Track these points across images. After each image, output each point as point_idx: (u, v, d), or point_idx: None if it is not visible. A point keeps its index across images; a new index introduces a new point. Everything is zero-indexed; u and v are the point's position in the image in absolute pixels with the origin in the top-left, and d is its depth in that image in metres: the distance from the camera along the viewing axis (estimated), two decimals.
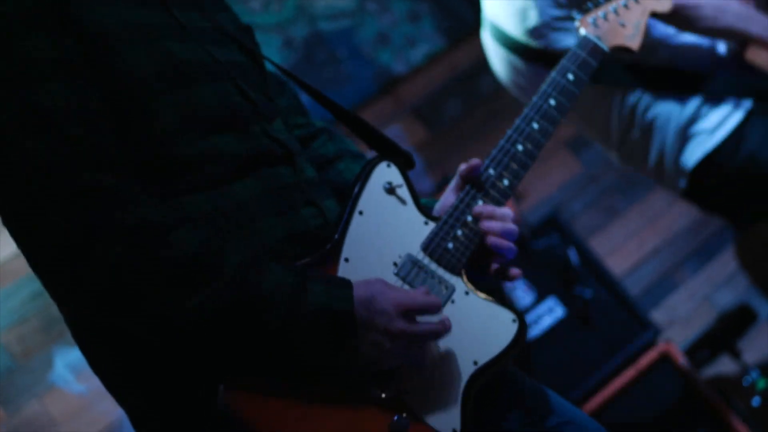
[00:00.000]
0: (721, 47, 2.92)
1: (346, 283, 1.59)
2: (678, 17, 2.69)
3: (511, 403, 1.83)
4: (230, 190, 1.64)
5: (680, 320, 4.34)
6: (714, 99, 2.84)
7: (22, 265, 1.71)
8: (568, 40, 2.74)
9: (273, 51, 4.26)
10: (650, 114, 2.87)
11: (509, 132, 1.85)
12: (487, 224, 1.76)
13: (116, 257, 1.48)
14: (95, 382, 1.71)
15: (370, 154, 1.87)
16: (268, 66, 1.92)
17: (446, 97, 4.52)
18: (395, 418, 1.61)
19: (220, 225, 1.60)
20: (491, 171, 1.81)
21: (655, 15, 2.25)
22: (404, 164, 1.80)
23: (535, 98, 1.90)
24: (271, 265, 1.57)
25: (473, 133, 4.44)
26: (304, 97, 2.03)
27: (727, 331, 4.21)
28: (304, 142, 1.95)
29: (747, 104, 2.84)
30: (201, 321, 1.50)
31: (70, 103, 1.52)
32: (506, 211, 1.78)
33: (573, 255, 3.67)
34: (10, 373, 3.65)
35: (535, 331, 3.59)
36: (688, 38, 2.87)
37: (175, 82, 1.62)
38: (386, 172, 1.77)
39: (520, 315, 1.74)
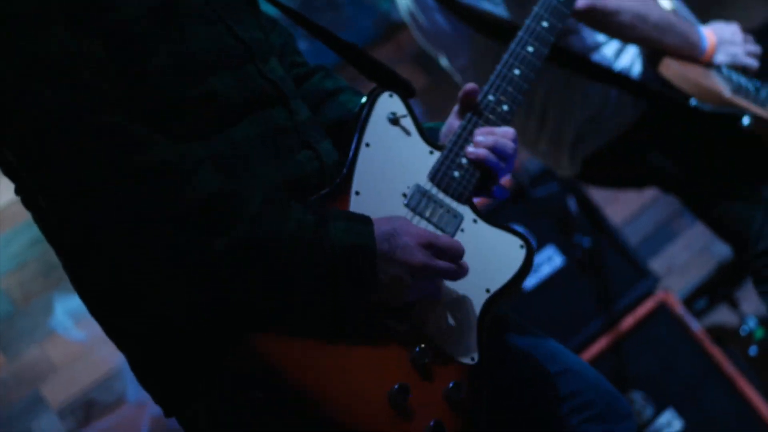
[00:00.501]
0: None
1: (367, 220, 1.61)
2: (595, 19, 2.68)
3: (514, 351, 1.84)
4: (226, 136, 1.64)
5: (678, 269, 4.35)
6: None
7: (21, 210, 1.71)
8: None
9: None
10: (552, 101, 2.87)
11: (505, 56, 1.87)
12: (479, 138, 1.77)
13: (141, 198, 1.49)
14: (95, 329, 1.71)
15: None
16: (264, 5, 1.90)
17: None
18: (416, 349, 1.63)
19: (219, 171, 1.60)
20: (490, 97, 1.83)
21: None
22: (405, 93, 1.81)
23: (528, 21, 1.92)
24: (291, 203, 1.58)
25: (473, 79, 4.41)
26: (302, 42, 2.02)
27: (726, 280, 4.22)
28: (301, 79, 1.95)
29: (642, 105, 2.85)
30: (228, 261, 1.51)
31: (78, 48, 1.52)
32: (506, 129, 1.80)
33: (572, 203, 3.66)
34: (10, 318, 3.66)
35: (533, 280, 3.60)
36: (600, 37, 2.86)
37: (167, 24, 1.61)
38: (389, 103, 1.78)
39: (527, 240, 1.77)
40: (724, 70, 2.75)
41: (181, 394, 1.62)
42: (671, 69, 2.73)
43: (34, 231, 1.72)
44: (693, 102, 2.69)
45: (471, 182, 1.77)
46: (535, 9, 1.93)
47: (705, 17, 2.99)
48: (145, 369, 1.66)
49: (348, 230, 1.57)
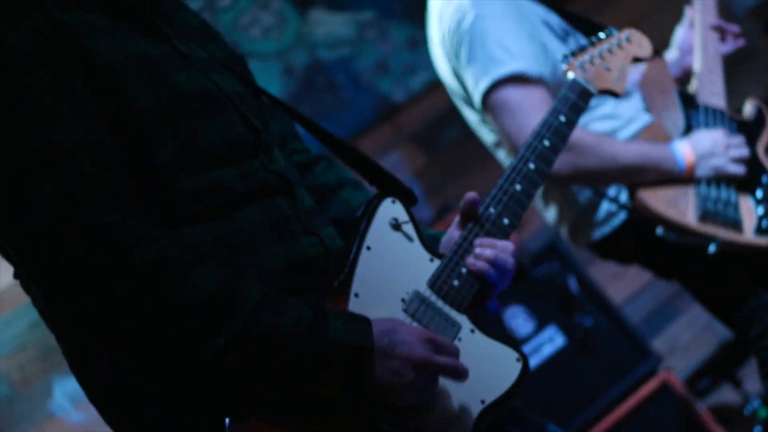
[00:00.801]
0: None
1: (365, 320, 1.60)
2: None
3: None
4: (230, 220, 1.64)
5: (681, 348, 4.34)
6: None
7: (20, 294, 1.71)
8: None
9: (273, 78, 4.27)
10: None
11: (507, 171, 1.88)
12: (479, 250, 1.77)
13: (137, 296, 1.49)
14: (94, 412, 1.70)
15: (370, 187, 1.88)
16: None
17: (445, 124, 4.52)
18: None
19: (223, 255, 1.60)
20: (491, 210, 1.83)
21: (636, 60, 2.29)
22: (407, 200, 1.81)
23: (530, 139, 1.94)
24: (289, 300, 1.58)
25: (472, 160, 4.43)
26: (301, 131, 2.04)
27: (728, 359, 4.20)
28: (303, 168, 1.96)
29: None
30: (223, 359, 1.50)
31: (84, 140, 1.52)
32: (506, 243, 1.79)
33: (573, 283, 3.66)
34: (10, 401, 3.65)
35: (535, 360, 3.58)
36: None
37: (178, 115, 1.61)
38: (391, 208, 1.79)
39: (523, 354, 1.75)
40: (703, 187, 2.73)
41: None
42: (644, 197, 2.73)
43: (34, 314, 1.72)
44: (659, 232, 2.70)
45: (470, 292, 1.76)
46: (537, 128, 1.97)
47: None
48: None
49: (346, 329, 1.57)
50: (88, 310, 1.51)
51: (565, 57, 2.16)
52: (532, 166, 1.90)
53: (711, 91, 2.88)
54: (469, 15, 2.73)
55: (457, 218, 1.84)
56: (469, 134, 4.61)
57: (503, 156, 3.01)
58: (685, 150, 2.75)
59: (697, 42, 2.94)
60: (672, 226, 2.70)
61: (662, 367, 3.71)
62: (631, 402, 3.56)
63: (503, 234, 1.82)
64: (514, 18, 2.76)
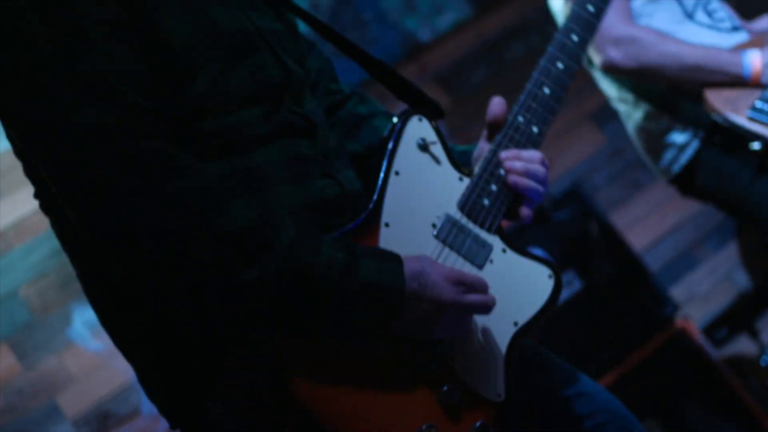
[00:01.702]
0: None
1: (396, 258, 1.60)
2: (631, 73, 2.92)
3: (533, 371, 1.83)
4: (249, 158, 1.63)
5: (699, 297, 4.32)
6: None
7: (42, 221, 1.72)
8: None
9: None
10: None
11: (535, 75, 1.84)
12: (509, 164, 1.75)
13: (178, 224, 1.49)
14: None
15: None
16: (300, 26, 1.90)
17: (470, 65, 4.49)
18: (444, 388, 1.62)
19: (238, 189, 1.60)
20: (520, 118, 1.79)
21: None
22: (434, 115, 1.78)
23: (558, 35, 1.89)
24: (323, 238, 1.58)
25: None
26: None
27: (747, 310, 4.19)
28: (336, 107, 1.95)
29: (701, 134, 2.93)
30: (257, 291, 1.51)
31: (125, 67, 1.51)
32: (533, 153, 1.77)
33: (593, 228, 3.65)
34: (29, 327, 3.67)
35: None
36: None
37: (211, 55, 1.60)
38: (418, 128, 1.74)
39: (556, 269, 1.75)
40: (765, 93, 2.76)
41: (187, 405, 1.61)
42: (707, 94, 2.83)
43: (55, 242, 1.72)
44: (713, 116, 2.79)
45: (501, 210, 1.74)
46: (565, 23, 1.91)
47: None
48: (151, 379, 1.66)
49: (379, 270, 1.57)
50: (122, 233, 1.50)
51: None
52: (560, 65, 1.85)
53: None
54: None
55: (485, 131, 1.81)
56: (494, 76, 4.59)
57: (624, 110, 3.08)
58: (754, 57, 2.78)
59: None
60: (725, 121, 2.78)
61: (680, 315, 3.70)
62: (647, 349, 3.55)
63: (533, 143, 1.78)
64: None
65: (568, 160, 4.27)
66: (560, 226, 3.64)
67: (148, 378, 1.67)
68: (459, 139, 2.00)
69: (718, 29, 3.02)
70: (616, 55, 2.85)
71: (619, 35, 2.85)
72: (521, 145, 1.77)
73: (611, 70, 2.91)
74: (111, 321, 1.68)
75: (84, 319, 3.70)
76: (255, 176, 1.62)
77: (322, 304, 1.52)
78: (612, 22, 2.83)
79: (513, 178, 1.74)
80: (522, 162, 1.75)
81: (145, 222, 1.48)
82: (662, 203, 4.45)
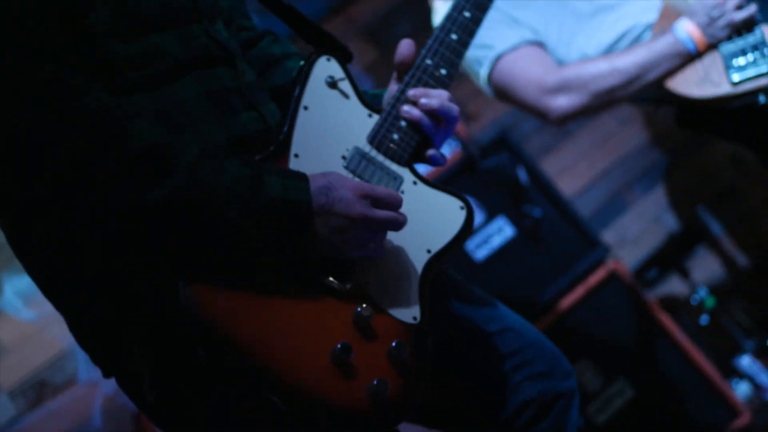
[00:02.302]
0: None
1: (302, 176, 1.61)
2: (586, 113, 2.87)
3: (457, 308, 1.85)
4: (170, 91, 1.63)
5: (630, 241, 4.38)
6: None
7: None
8: None
9: None
10: None
11: (442, 21, 1.87)
12: (413, 99, 1.77)
13: (77, 146, 1.48)
14: (45, 308, 1.69)
15: None
16: None
17: (398, 17, 4.47)
18: (358, 309, 1.64)
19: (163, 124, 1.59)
20: (428, 61, 1.83)
21: None
22: (343, 57, 1.81)
23: None
24: (228, 159, 1.57)
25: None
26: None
27: (676, 251, 4.26)
28: (249, 44, 1.94)
29: None
30: (162, 211, 1.50)
31: None
32: (440, 91, 1.79)
33: (522, 174, 3.67)
34: None
35: (484, 251, 3.60)
36: None
37: None
38: (326, 66, 1.78)
39: (467, 201, 1.78)
40: (724, 47, 2.65)
41: (113, 348, 1.60)
42: (672, 86, 2.72)
43: None
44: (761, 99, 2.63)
45: (410, 145, 1.77)
46: None
47: None
48: (83, 327, 1.65)
49: (284, 185, 1.57)
50: (26, 163, 1.51)
51: None
52: (467, 14, 1.88)
53: None
54: None
55: (394, 73, 1.84)
56: (422, 28, 4.55)
57: None
58: (688, 28, 2.69)
59: None
60: (714, 102, 2.65)
61: (611, 257, 3.74)
62: (579, 291, 3.59)
63: (441, 85, 1.81)
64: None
65: (497, 109, 4.28)
66: (489, 173, 3.66)
67: (78, 325, 1.66)
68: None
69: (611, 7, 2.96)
70: (561, 103, 2.82)
71: (553, 84, 2.82)
72: (429, 86, 1.80)
73: (567, 118, 2.84)
74: (38, 270, 1.66)
75: (15, 289, 3.65)
76: (177, 112, 1.62)
77: (229, 221, 1.52)
78: (541, 77, 2.82)
79: (411, 113, 1.75)
80: (428, 99, 1.76)
81: (47, 144, 1.48)
82: (591, 149, 4.49)
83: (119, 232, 1.54)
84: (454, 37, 1.86)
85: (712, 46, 2.68)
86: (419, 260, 1.72)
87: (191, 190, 1.50)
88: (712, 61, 2.67)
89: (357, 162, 1.73)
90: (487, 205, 3.61)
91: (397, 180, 1.75)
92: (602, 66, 2.78)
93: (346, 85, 1.79)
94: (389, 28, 4.48)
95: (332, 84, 1.77)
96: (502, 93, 2.95)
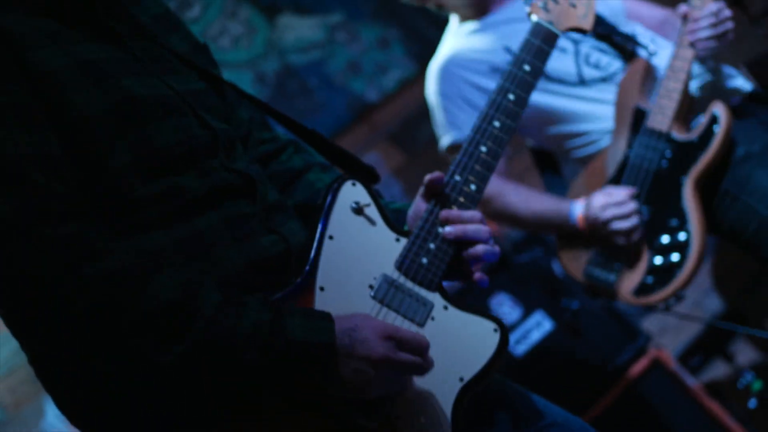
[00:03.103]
0: None
1: (325, 316, 1.59)
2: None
3: (498, 408, 1.82)
4: (188, 224, 1.62)
5: (671, 327, 4.33)
6: None
7: None
8: None
9: (245, 87, 4.23)
10: None
11: (470, 134, 1.81)
12: (449, 228, 1.73)
13: (94, 309, 1.48)
14: None
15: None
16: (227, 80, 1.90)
17: (421, 120, 4.52)
18: None
19: (180, 260, 1.59)
20: (457, 177, 1.78)
21: None
22: (368, 179, 1.78)
23: (493, 95, 1.86)
24: (247, 301, 1.57)
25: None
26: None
27: (719, 335, 4.20)
28: (270, 156, 1.94)
29: None
30: (185, 366, 1.50)
31: (33, 150, 1.50)
32: (473, 213, 1.76)
33: (557, 267, 3.66)
34: (3, 424, 3.64)
35: (524, 347, 3.57)
36: None
37: (130, 121, 1.59)
38: (352, 192, 1.74)
39: (501, 323, 1.72)
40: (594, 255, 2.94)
41: None
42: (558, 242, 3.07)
43: None
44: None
45: (440, 268, 1.72)
46: (500, 81, 1.88)
47: None
48: None
49: (305, 326, 1.56)
50: (47, 324, 1.50)
51: None
52: (497, 123, 1.82)
53: (662, 106, 2.85)
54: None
55: (421, 189, 1.79)
56: None
57: None
58: (579, 215, 2.89)
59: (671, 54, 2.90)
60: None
61: (653, 346, 3.70)
62: (623, 382, 3.55)
63: (471, 201, 1.77)
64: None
65: None
66: (523, 268, 3.65)
67: None
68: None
69: (612, 75, 3.02)
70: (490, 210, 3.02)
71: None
72: (459, 203, 1.76)
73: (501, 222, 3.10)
74: (66, 405, 1.65)
75: (57, 412, 3.65)
76: (196, 245, 1.61)
77: (251, 368, 1.51)
78: None
79: (453, 235, 1.73)
80: (462, 226, 1.73)
81: (64, 311, 1.47)
82: None
83: (144, 385, 1.54)
84: (483, 149, 1.80)
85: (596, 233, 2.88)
86: (451, 390, 1.66)
87: (210, 343, 1.51)
88: (587, 249, 2.95)
89: (384, 291, 1.69)
90: (524, 300, 3.59)
91: (427, 306, 1.70)
92: (510, 200, 2.99)
93: (372, 210, 1.74)
94: (413, 131, 4.54)
95: (358, 210, 1.73)
96: None
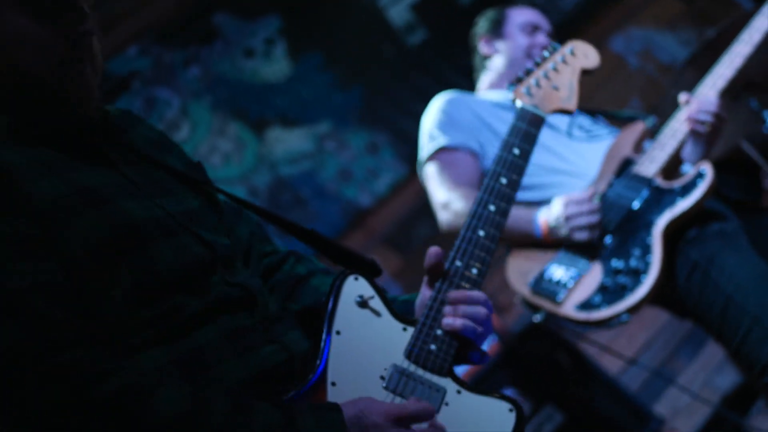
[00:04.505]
0: None
1: (335, 407, 1.58)
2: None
3: None
4: (189, 341, 1.62)
5: (683, 409, 4.29)
6: None
7: None
8: None
9: None
10: None
11: (467, 220, 1.85)
12: (450, 309, 1.75)
13: (107, 429, 1.47)
14: None
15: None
16: (222, 199, 1.92)
17: (415, 221, 4.55)
18: None
19: (182, 375, 1.59)
20: (458, 263, 1.80)
21: (585, 72, 2.25)
22: (371, 273, 1.79)
23: (486, 180, 1.90)
24: (257, 404, 1.56)
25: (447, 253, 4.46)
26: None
27: (733, 411, 4.16)
28: (272, 269, 1.95)
29: None
30: None
31: (34, 282, 1.51)
32: (477, 294, 1.77)
33: (564, 358, 3.64)
34: None
35: None
36: None
37: (129, 244, 1.60)
38: (355, 286, 1.75)
39: (515, 402, 1.72)
40: (557, 256, 2.91)
41: None
42: (509, 259, 3.04)
43: None
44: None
45: (449, 353, 1.73)
46: (492, 167, 1.93)
47: None
48: None
49: (318, 424, 1.55)
50: None
51: (511, 84, 2.12)
52: (492, 207, 1.86)
53: (653, 156, 2.93)
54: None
55: (426, 277, 1.81)
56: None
57: None
58: (541, 219, 2.90)
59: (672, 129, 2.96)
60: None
61: (666, 429, 3.67)
62: None
63: (473, 285, 1.78)
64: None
65: None
66: (530, 362, 3.64)
67: None
68: None
69: (597, 136, 3.12)
70: (444, 218, 3.05)
71: (443, 200, 3.04)
72: (462, 288, 1.78)
73: (449, 232, 3.05)
74: None
75: None
76: (197, 359, 1.61)
77: None
78: (447, 189, 3.03)
79: (452, 325, 1.74)
80: (463, 306, 1.74)
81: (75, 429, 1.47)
82: (626, 325, 4.45)
83: None
84: (481, 233, 1.83)
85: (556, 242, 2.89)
86: None
87: None
88: (540, 263, 2.94)
89: (396, 381, 1.69)
90: (533, 394, 3.57)
91: (440, 392, 1.70)
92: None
93: (376, 302, 1.75)
94: (408, 234, 4.56)
95: (362, 303, 1.74)
96: (425, 183, 3.15)
